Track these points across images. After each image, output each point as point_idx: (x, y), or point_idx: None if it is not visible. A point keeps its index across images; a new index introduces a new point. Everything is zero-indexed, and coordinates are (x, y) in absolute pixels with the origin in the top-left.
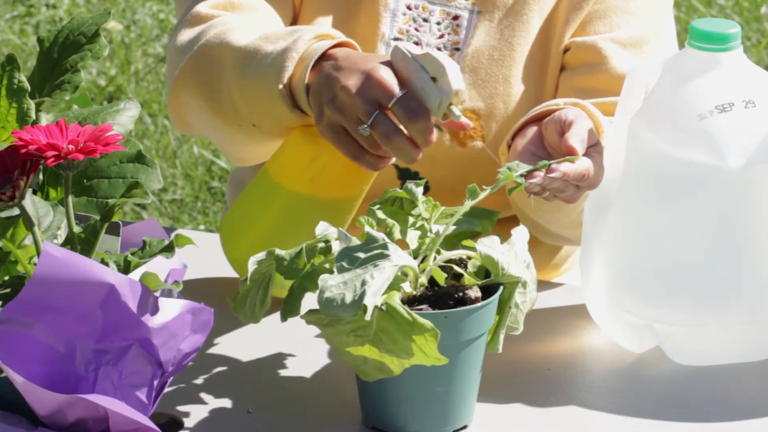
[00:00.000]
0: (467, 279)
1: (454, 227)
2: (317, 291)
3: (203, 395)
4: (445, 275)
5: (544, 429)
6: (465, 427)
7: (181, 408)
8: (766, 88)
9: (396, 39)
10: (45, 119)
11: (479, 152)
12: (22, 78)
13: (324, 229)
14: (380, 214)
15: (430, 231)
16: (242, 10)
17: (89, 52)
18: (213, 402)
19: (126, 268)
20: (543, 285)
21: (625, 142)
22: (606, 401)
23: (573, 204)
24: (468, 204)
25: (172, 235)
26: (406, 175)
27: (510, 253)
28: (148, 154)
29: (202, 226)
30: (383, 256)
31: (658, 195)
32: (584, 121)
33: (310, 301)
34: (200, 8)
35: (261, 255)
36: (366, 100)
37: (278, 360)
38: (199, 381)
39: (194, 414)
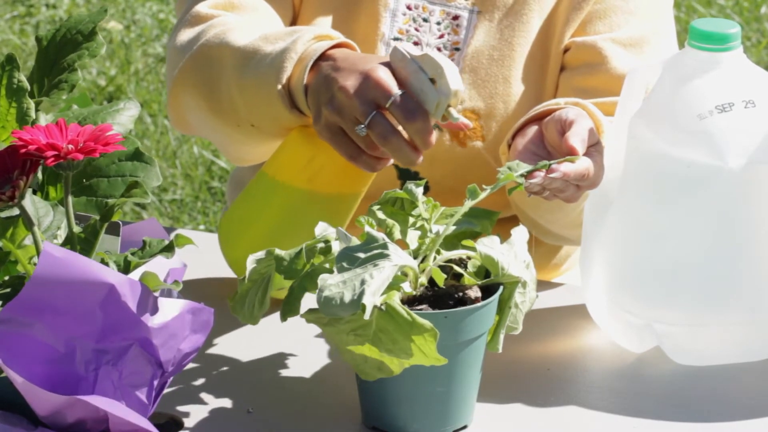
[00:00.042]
0: (467, 279)
1: (454, 227)
2: (317, 290)
3: (203, 395)
4: (445, 275)
5: (544, 429)
6: (465, 427)
7: (181, 408)
8: (766, 88)
9: (396, 39)
10: (44, 119)
11: (479, 152)
12: (22, 77)
13: (323, 229)
14: (380, 215)
15: (430, 231)
16: (242, 10)
17: (86, 51)
18: (213, 402)
19: (126, 268)
20: (543, 285)
21: (625, 142)
22: (606, 401)
23: (573, 204)
24: (468, 204)
25: (172, 235)
26: (406, 175)
27: (510, 253)
28: (148, 154)
29: (202, 226)
30: (383, 256)
31: (658, 195)
32: (585, 121)
33: (310, 301)
34: (200, 8)
35: (260, 254)
36: (363, 101)
37: (278, 360)
38: (199, 381)
39: (194, 414)
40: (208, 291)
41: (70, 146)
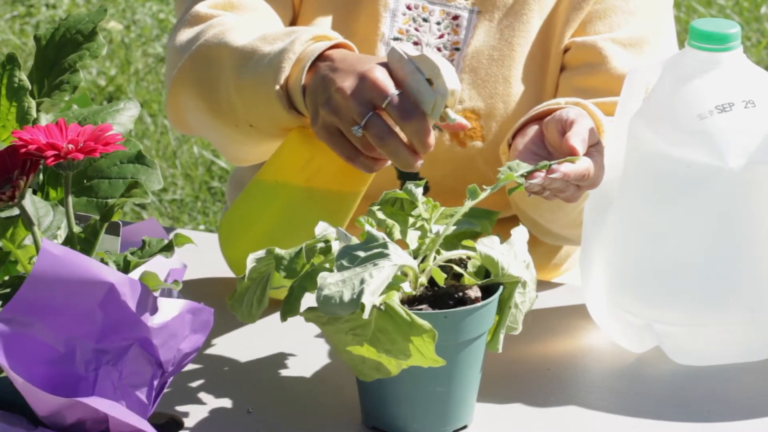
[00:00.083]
0: (467, 279)
1: (454, 227)
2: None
3: (203, 395)
4: (445, 275)
5: (544, 429)
6: (465, 427)
7: (181, 408)
8: (766, 88)
9: (396, 39)
10: (45, 119)
11: (479, 152)
12: (23, 77)
13: (323, 229)
14: (380, 215)
15: (430, 231)
16: (241, 10)
17: (87, 51)
18: (213, 402)
19: (126, 268)
20: (543, 285)
21: (625, 142)
22: (606, 401)
23: (573, 203)
24: (468, 204)
25: (172, 234)
26: (406, 175)
27: (510, 253)
28: (148, 154)
29: (202, 226)
30: (383, 255)
31: (658, 195)
32: (585, 121)
33: (309, 302)
34: (199, 8)
35: (260, 253)
36: (360, 101)
37: (278, 360)
38: (199, 381)
39: (194, 414)
40: (208, 291)
41: (70, 146)
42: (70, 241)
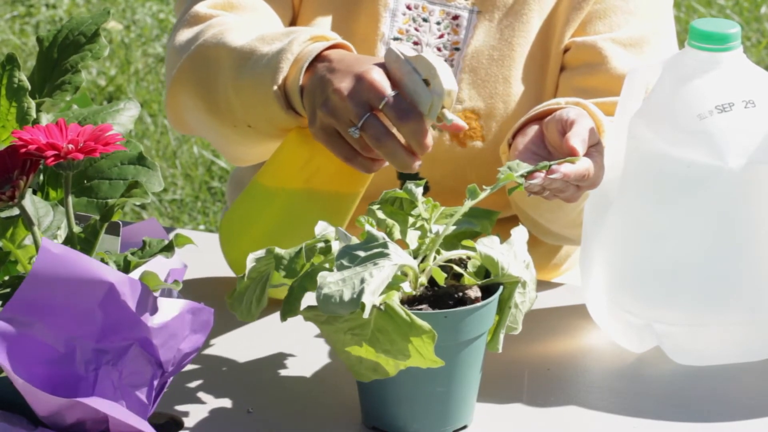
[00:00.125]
0: (467, 279)
1: (454, 227)
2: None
3: (203, 395)
4: (445, 275)
5: (544, 429)
6: (465, 427)
7: (181, 408)
8: (766, 88)
9: (396, 39)
10: (45, 119)
11: (479, 152)
12: (23, 77)
13: (323, 228)
14: (380, 215)
15: (430, 231)
16: (241, 10)
17: (89, 52)
18: (213, 402)
19: (126, 268)
20: (543, 285)
21: (625, 142)
22: (606, 401)
23: (573, 203)
24: (468, 204)
25: (172, 234)
26: (405, 175)
27: (509, 253)
28: (148, 155)
29: (202, 226)
30: (383, 255)
31: (658, 195)
32: (585, 121)
33: (309, 301)
34: (199, 8)
35: (260, 252)
36: (357, 103)
37: (278, 360)
38: (199, 381)
39: (194, 414)
40: (208, 291)
41: (70, 146)
42: (70, 241)
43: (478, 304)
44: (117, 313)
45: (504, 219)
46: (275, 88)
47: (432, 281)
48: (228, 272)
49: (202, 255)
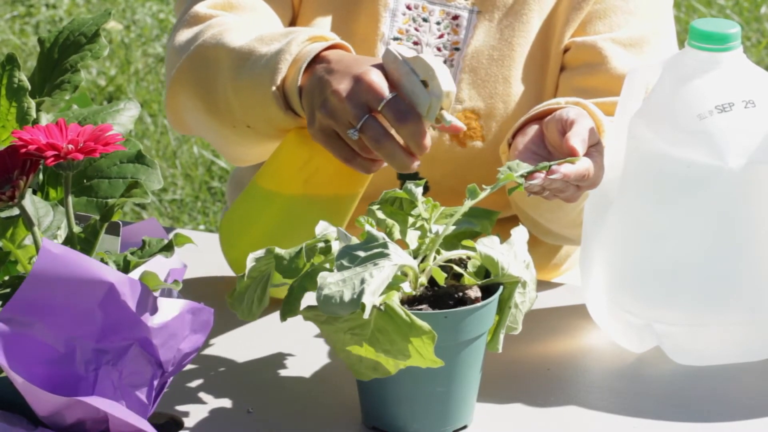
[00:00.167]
0: (467, 279)
1: (454, 227)
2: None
3: (203, 395)
4: (445, 275)
5: (544, 429)
6: (465, 427)
7: (181, 408)
8: (766, 88)
9: (396, 39)
10: (45, 119)
11: (479, 152)
12: (22, 77)
13: (323, 228)
14: (380, 215)
15: (430, 231)
16: (241, 10)
17: (89, 52)
18: (213, 402)
19: (126, 268)
20: (543, 285)
21: (625, 142)
22: (606, 401)
23: (573, 203)
24: (468, 204)
25: (172, 234)
26: (405, 175)
27: (509, 253)
28: (148, 154)
29: (202, 226)
30: (383, 255)
31: (658, 195)
32: (585, 121)
33: (309, 301)
34: (199, 8)
35: (260, 252)
36: (355, 104)
37: (278, 360)
38: (199, 381)
39: (194, 414)
40: (208, 291)
41: (70, 146)
42: (70, 241)
43: (478, 304)
44: (117, 313)
45: (504, 219)
46: (274, 88)
47: (432, 281)
48: (228, 272)
49: (202, 255)
